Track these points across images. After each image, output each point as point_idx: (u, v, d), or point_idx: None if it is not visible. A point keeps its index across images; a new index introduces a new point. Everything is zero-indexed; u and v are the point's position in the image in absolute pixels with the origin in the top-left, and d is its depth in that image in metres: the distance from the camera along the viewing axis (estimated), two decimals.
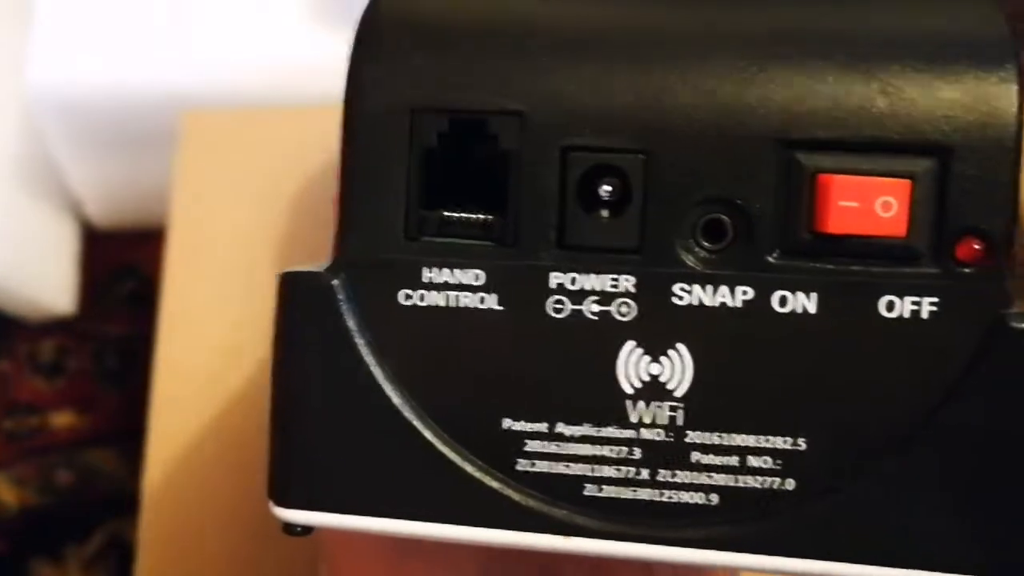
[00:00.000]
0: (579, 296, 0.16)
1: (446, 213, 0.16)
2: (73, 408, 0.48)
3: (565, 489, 0.16)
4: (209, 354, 0.40)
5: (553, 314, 0.16)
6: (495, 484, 0.16)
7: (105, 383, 0.48)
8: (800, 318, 0.15)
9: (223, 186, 0.42)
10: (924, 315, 0.15)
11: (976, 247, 0.15)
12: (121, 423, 0.47)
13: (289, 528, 0.16)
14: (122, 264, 0.52)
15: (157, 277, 0.40)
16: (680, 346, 0.15)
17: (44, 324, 0.50)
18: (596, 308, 0.16)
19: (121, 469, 0.46)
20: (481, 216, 0.16)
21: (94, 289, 0.51)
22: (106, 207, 0.53)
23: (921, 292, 0.15)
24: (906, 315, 0.15)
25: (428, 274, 0.16)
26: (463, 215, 0.16)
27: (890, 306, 0.15)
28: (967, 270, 0.15)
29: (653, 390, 0.16)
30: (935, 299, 0.15)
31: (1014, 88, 0.15)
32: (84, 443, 0.47)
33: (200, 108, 0.45)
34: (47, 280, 0.50)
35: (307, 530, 0.16)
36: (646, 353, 0.16)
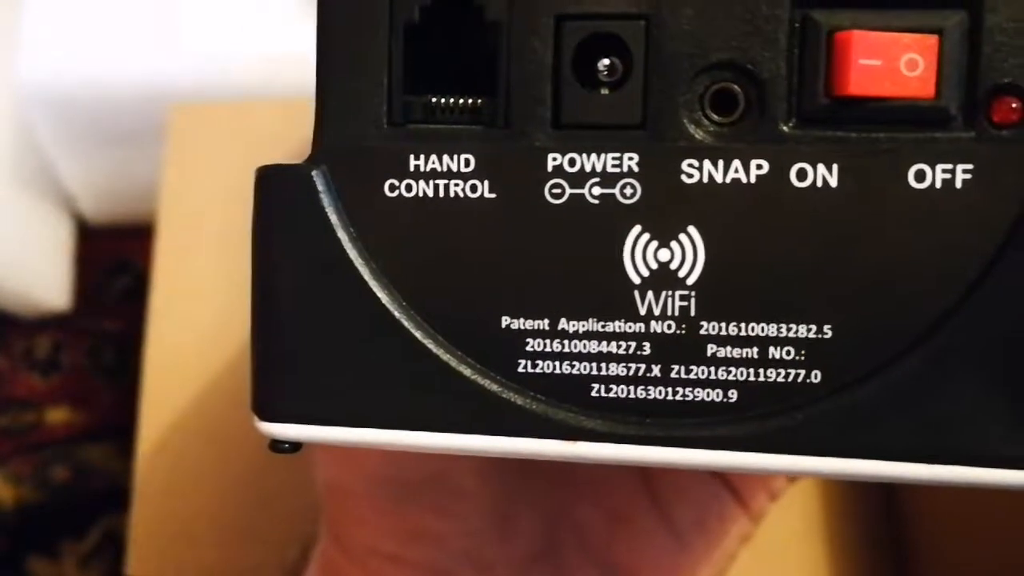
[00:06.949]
0: (579, 178, 0.14)
1: (432, 98, 0.15)
2: (69, 404, 0.47)
3: (571, 390, 0.14)
4: (199, 346, 0.39)
5: (551, 200, 0.14)
6: (495, 387, 0.14)
7: (100, 379, 0.47)
8: (821, 192, 0.14)
9: (211, 179, 0.41)
10: (958, 184, 0.14)
11: (1013, 106, 0.14)
12: (116, 419, 0.46)
13: (276, 445, 0.15)
14: (117, 259, 0.51)
15: (150, 271, 0.39)
16: (691, 229, 0.14)
17: (39, 320, 0.49)
18: (598, 191, 0.14)
19: (117, 465, 0.45)
20: (470, 100, 0.15)
21: (89, 285, 0.50)
22: (100, 203, 0.52)
23: (954, 159, 0.14)
24: (938, 185, 0.14)
25: (414, 162, 0.14)
26: (450, 99, 0.15)
27: (920, 175, 0.14)
28: (1004, 132, 0.14)
29: (662, 278, 0.14)
30: (969, 166, 0.14)
31: None
32: (80, 439, 0.46)
33: (190, 102, 0.44)
34: (42, 276, 0.49)
35: (295, 446, 0.15)
36: (654, 238, 0.14)
